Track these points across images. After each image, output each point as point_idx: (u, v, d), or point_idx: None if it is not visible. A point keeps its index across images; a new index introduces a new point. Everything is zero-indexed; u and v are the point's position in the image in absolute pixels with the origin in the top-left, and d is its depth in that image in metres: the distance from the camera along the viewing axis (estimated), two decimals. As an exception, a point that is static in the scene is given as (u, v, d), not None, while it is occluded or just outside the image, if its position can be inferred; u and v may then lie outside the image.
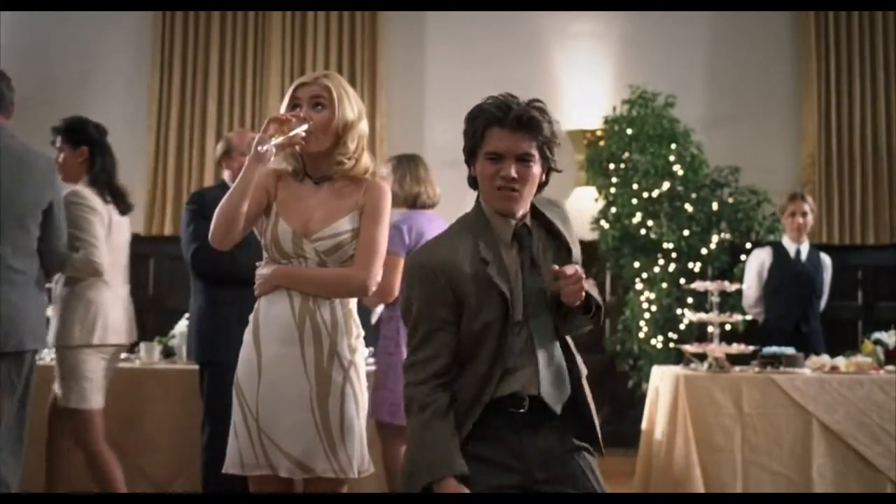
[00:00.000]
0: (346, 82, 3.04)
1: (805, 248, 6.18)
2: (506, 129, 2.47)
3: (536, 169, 2.51)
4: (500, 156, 2.48)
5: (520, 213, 2.54)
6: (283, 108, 2.97)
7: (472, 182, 2.60)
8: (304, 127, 2.87)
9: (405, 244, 4.44)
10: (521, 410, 2.47)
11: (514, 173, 2.47)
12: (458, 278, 2.48)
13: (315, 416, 2.86)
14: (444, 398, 2.46)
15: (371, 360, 4.70)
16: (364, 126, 3.03)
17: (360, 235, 2.95)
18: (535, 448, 2.48)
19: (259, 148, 2.80)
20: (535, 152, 2.49)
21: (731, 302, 6.62)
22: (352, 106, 2.98)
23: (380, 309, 4.64)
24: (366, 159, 3.02)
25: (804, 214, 6.10)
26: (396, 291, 4.44)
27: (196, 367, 4.94)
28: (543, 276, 2.52)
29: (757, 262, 6.25)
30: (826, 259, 6.27)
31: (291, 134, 2.84)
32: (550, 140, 2.52)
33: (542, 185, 2.58)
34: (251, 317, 2.98)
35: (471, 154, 2.55)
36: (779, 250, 6.22)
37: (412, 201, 4.63)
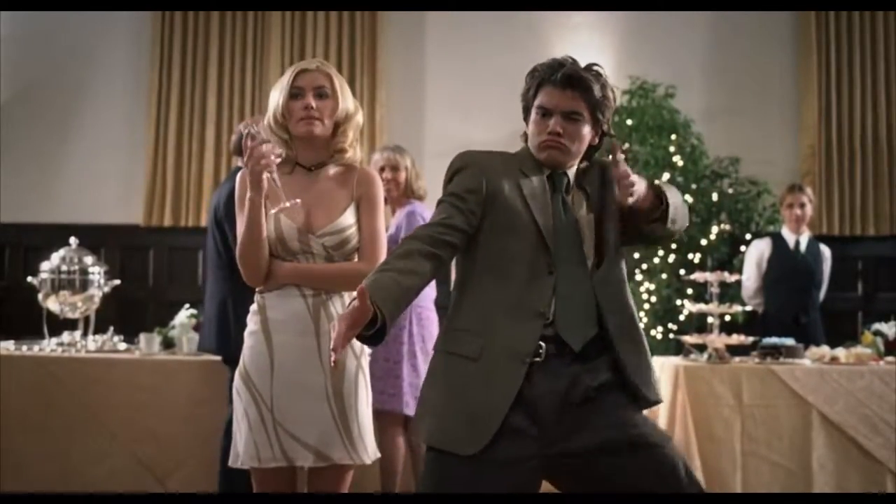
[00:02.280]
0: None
1: (805, 239, 6.17)
2: (556, 87, 2.52)
3: (585, 129, 2.55)
4: (549, 111, 2.53)
5: (564, 167, 2.57)
6: (280, 95, 2.97)
7: (526, 137, 2.63)
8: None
9: None
10: (538, 359, 2.41)
11: (559, 128, 2.51)
12: (495, 179, 2.51)
13: (331, 405, 2.88)
14: (417, 245, 2.40)
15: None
16: (360, 116, 3.07)
17: (363, 228, 2.98)
18: (550, 396, 2.41)
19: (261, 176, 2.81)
20: (585, 112, 2.53)
21: (730, 293, 6.62)
22: (349, 97, 3.02)
23: None
24: (359, 150, 3.06)
25: (802, 206, 6.10)
26: None
27: (200, 358, 4.95)
28: (578, 222, 2.54)
29: (756, 253, 6.25)
30: (826, 250, 6.27)
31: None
32: (602, 103, 2.54)
33: (592, 148, 2.63)
34: (254, 311, 2.98)
35: (525, 112, 2.61)
36: (778, 241, 6.21)
37: (420, 193, 4.82)
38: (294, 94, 2.96)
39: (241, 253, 2.91)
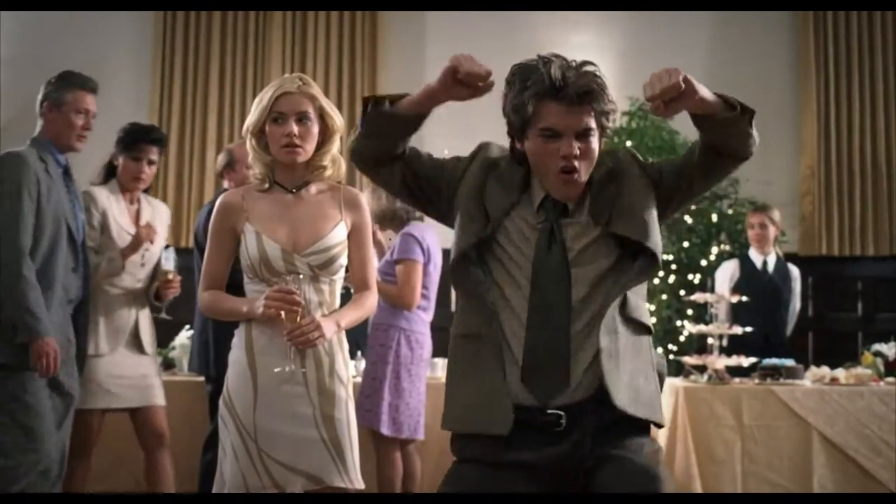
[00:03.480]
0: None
1: (772, 260, 6.17)
2: (563, 104, 2.20)
3: (596, 142, 2.26)
4: (559, 133, 2.21)
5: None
6: (260, 116, 2.93)
7: (519, 156, 2.34)
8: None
9: (423, 251, 4.58)
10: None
11: (576, 150, 2.21)
12: (480, 158, 2.38)
13: (321, 433, 2.86)
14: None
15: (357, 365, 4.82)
16: (342, 126, 3.02)
17: (357, 257, 3.02)
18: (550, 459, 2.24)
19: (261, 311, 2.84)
20: (595, 125, 2.24)
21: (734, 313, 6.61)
22: (333, 113, 2.98)
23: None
24: (343, 166, 3.03)
25: (763, 226, 6.11)
26: (417, 296, 4.53)
27: (200, 379, 4.95)
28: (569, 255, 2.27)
29: (726, 274, 6.25)
30: (794, 269, 6.26)
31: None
32: (609, 110, 2.26)
33: None
34: (240, 335, 2.96)
35: (519, 129, 2.27)
36: (745, 262, 6.22)
37: (404, 217, 4.71)
38: (275, 118, 2.91)
39: (211, 313, 3.05)
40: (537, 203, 2.32)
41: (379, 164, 2.36)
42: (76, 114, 3.87)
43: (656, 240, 2.30)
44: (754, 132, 2.28)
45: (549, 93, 2.21)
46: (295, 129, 2.89)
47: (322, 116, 2.95)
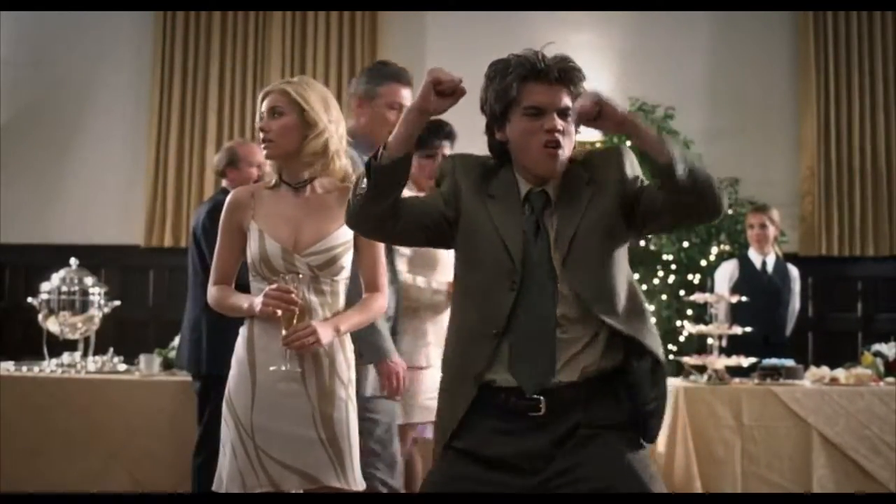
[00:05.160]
0: (316, 85, 3.00)
1: (771, 260, 6.18)
2: (545, 83, 2.29)
3: (572, 125, 2.32)
4: (542, 111, 2.29)
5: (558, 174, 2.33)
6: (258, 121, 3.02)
7: (498, 149, 2.39)
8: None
9: None
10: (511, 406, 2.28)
11: (559, 125, 2.27)
12: (464, 186, 2.37)
13: (319, 433, 2.84)
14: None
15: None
16: (333, 127, 2.97)
17: (366, 258, 3.00)
18: (526, 450, 2.27)
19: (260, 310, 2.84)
20: (572, 105, 2.30)
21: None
22: (313, 107, 2.93)
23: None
24: (341, 164, 2.99)
25: (763, 226, 6.11)
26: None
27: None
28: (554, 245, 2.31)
29: (725, 275, 6.25)
30: (793, 269, 6.27)
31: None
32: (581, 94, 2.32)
33: None
34: (244, 332, 2.96)
35: (501, 115, 2.34)
36: (745, 263, 6.23)
37: None
38: (260, 118, 2.98)
39: (217, 308, 3.02)
40: (523, 197, 2.36)
41: (388, 215, 2.34)
42: (389, 109, 3.55)
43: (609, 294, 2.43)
44: (718, 193, 2.32)
45: (532, 74, 2.30)
46: (266, 124, 2.94)
47: (302, 111, 2.93)
